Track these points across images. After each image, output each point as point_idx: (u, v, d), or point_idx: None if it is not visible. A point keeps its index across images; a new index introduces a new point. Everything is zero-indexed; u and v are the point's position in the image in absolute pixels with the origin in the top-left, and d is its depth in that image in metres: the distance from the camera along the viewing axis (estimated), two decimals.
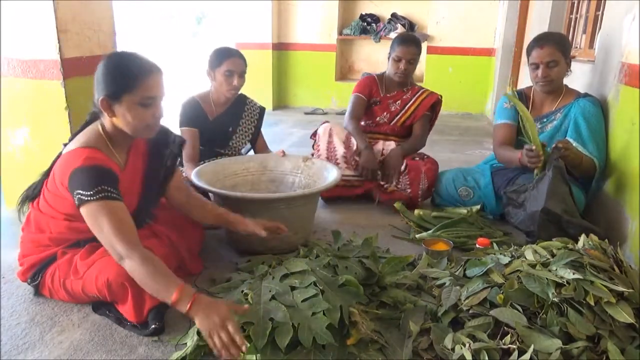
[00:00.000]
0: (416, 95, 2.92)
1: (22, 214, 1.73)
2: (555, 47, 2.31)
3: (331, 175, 2.25)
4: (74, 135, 1.64)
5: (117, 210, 1.45)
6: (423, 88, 2.99)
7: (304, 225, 2.18)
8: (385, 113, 2.94)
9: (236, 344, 1.26)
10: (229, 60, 2.46)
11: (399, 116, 2.92)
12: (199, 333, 1.39)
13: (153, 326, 1.52)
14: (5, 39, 2.33)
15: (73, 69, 2.35)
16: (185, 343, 1.45)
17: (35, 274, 1.68)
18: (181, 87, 5.99)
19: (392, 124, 2.94)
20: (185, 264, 1.87)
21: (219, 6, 6.39)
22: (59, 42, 2.25)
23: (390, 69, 2.87)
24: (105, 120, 1.58)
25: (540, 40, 2.36)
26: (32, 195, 1.72)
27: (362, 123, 2.98)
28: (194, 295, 1.37)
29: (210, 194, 2.20)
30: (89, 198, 1.42)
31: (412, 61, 2.80)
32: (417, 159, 2.75)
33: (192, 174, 2.13)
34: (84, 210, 1.44)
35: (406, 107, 2.91)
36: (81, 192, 1.43)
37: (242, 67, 2.50)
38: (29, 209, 1.72)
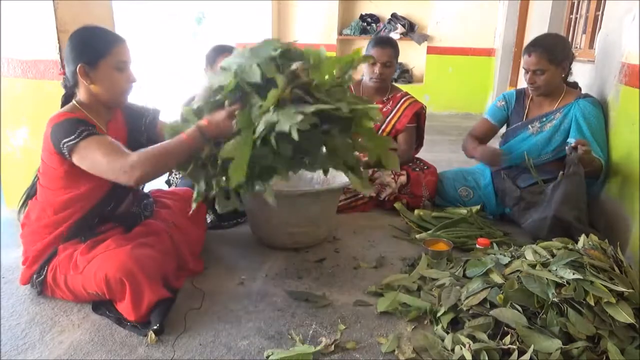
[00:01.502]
0: (398, 105, 2.75)
1: (22, 214, 1.76)
2: (542, 55, 2.28)
3: None
4: None
5: (104, 140, 1.55)
6: (407, 95, 2.81)
7: (328, 220, 2.24)
8: None
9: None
10: (223, 56, 2.45)
11: (379, 132, 2.75)
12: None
13: (154, 327, 1.52)
14: (5, 39, 2.33)
15: None
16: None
17: (40, 268, 1.67)
18: (181, 88, 5.98)
19: None
20: (186, 264, 1.87)
21: (219, 6, 6.37)
22: (59, 42, 2.25)
23: (365, 74, 2.72)
24: (80, 93, 1.66)
25: (530, 47, 2.34)
26: (32, 194, 1.75)
27: None
28: (197, 128, 1.54)
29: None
30: (75, 140, 1.51)
31: (389, 64, 2.65)
32: (418, 170, 2.70)
33: None
34: (76, 157, 1.53)
35: (387, 121, 2.76)
36: (66, 139, 1.52)
37: None
38: (28, 206, 1.75)
